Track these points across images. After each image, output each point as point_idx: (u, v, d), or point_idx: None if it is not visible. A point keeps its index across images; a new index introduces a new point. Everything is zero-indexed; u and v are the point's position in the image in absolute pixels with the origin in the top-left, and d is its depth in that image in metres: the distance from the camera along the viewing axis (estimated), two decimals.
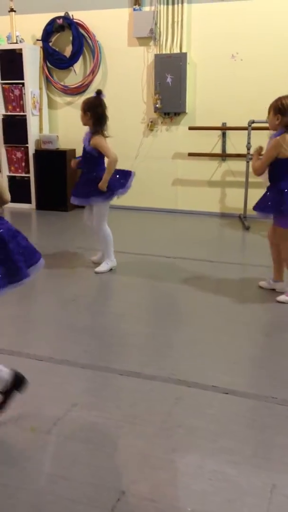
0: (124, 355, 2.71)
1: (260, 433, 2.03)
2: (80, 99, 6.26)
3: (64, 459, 1.87)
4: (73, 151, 6.27)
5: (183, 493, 1.72)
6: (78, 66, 6.19)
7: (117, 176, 3.83)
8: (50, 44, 6.18)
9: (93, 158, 3.76)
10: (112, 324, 3.11)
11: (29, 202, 6.47)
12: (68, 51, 6.14)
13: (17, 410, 2.17)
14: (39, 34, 6.16)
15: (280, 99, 3.16)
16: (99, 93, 3.76)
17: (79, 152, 6.27)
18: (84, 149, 3.79)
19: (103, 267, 3.93)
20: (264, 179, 3.41)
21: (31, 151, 6.28)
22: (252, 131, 5.36)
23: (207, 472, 1.81)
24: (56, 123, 6.52)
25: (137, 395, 2.30)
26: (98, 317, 3.23)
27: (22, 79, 6.07)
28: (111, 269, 3.97)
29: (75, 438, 1.99)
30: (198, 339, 2.88)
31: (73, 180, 6.33)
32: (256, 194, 5.69)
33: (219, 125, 5.75)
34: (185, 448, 1.94)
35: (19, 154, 6.37)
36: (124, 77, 6.01)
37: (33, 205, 6.45)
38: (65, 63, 6.18)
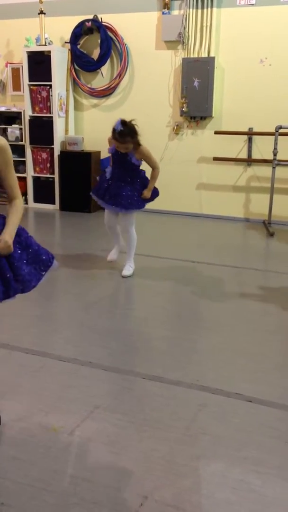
0: (147, 359, 2.69)
1: (286, 444, 2.00)
2: (106, 102, 6.32)
3: (87, 461, 1.87)
4: (98, 153, 6.30)
5: (206, 501, 1.70)
6: (105, 68, 6.22)
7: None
8: (78, 46, 6.23)
9: (137, 168, 3.81)
10: (135, 328, 3.10)
11: (53, 203, 6.52)
12: (95, 53, 6.18)
13: (41, 410, 2.17)
14: (67, 37, 6.21)
15: None
16: (124, 123, 3.56)
17: (104, 153, 6.33)
18: (129, 161, 3.73)
19: (128, 271, 3.94)
20: None
21: (56, 152, 6.32)
22: (279, 137, 5.31)
23: (232, 481, 1.79)
24: (81, 125, 6.56)
25: (160, 400, 2.29)
26: (121, 320, 3.23)
27: (50, 80, 6.12)
28: None
29: (98, 440, 1.99)
30: (222, 345, 2.85)
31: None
32: (282, 200, 5.68)
33: (246, 130, 5.72)
34: (209, 456, 1.91)
35: (44, 155, 6.42)
36: (151, 81, 6.02)
37: (56, 206, 6.49)
38: (92, 66, 6.22)
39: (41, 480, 1.77)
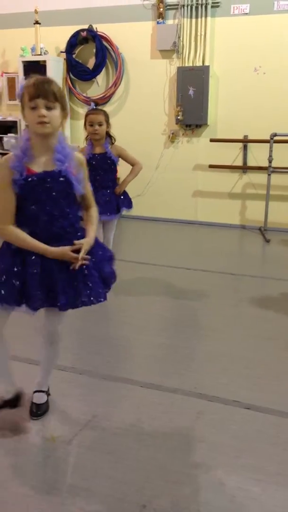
0: (145, 367, 2.69)
1: (284, 450, 2.00)
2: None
3: (85, 470, 1.87)
4: None
5: (205, 509, 1.70)
6: (100, 78, 6.25)
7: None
8: (74, 56, 6.26)
9: (115, 168, 3.69)
10: (133, 336, 3.10)
11: None
12: (91, 63, 6.22)
13: (39, 419, 2.17)
14: (63, 46, 6.25)
15: None
16: (97, 104, 3.71)
17: None
18: (108, 160, 3.61)
19: None
20: None
21: None
22: (274, 144, 5.34)
23: (230, 489, 1.79)
24: (77, 133, 6.57)
25: (158, 407, 2.29)
26: (118, 328, 3.23)
27: None
28: None
29: (96, 449, 1.99)
30: (219, 352, 2.86)
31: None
32: (277, 207, 5.71)
33: (241, 137, 5.75)
34: (207, 464, 1.91)
35: None
36: (146, 89, 6.06)
37: None
38: (88, 75, 6.25)
39: (40, 489, 1.76)
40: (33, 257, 1.84)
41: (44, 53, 6.16)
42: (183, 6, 5.64)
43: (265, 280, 4.18)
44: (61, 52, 6.30)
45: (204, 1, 5.54)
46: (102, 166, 3.60)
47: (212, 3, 5.54)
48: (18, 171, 1.80)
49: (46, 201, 1.84)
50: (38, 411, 2.19)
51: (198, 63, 5.74)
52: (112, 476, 1.84)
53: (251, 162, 5.80)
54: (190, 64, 5.77)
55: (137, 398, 2.37)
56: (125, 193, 3.71)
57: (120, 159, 3.65)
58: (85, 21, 6.07)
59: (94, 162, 3.52)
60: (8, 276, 1.83)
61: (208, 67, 5.67)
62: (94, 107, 3.67)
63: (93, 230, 1.99)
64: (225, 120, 5.80)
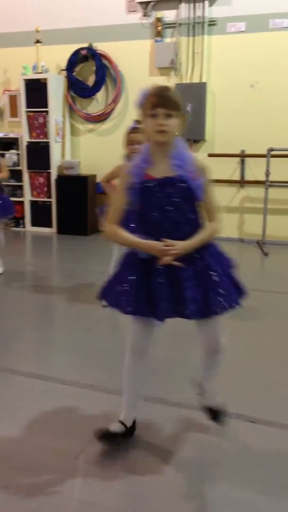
0: (148, 381, 2.71)
1: None
2: (102, 126, 6.46)
3: (94, 485, 1.90)
4: (94, 176, 6.42)
5: None
6: (100, 95, 6.37)
7: None
8: (74, 74, 6.38)
9: None
10: None
11: (50, 226, 6.59)
12: (91, 80, 6.34)
13: (45, 434, 2.21)
14: (63, 64, 6.37)
15: None
16: (139, 122, 3.69)
17: (101, 177, 6.41)
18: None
19: None
20: None
21: (53, 177, 6.43)
22: (271, 159, 5.44)
23: (238, 503, 1.81)
24: (78, 149, 6.68)
25: (163, 422, 2.33)
26: (121, 342, 3.25)
27: (46, 107, 6.26)
28: None
29: (103, 464, 2.02)
30: (222, 365, 2.89)
31: (94, 205, 6.46)
32: (275, 221, 5.78)
33: (238, 152, 5.85)
34: (214, 478, 1.95)
35: (41, 179, 6.52)
36: None
37: (54, 229, 6.57)
38: (88, 92, 6.37)
39: (48, 504, 1.80)
40: (159, 267, 1.83)
41: (45, 71, 6.28)
42: (181, 24, 5.77)
43: (264, 293, 4.23)
44: (62, 70, 6.42)
45: (201, 20, 5.67)
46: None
47: (209, 21, 5.67)
48: (137, 176, 1.85)
49: (169, 207, 1.83)
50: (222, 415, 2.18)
51: (196, 80, 5.85)
52: (121, 490, 1.87)
53: (248, 177, 5.90)
54: (188, 81, 5.89)
55: (142, 413, 2.40)
56: None
57: None
58: (85, 40, 6.21)
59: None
60: (133, 285, 1.84)
61: (205, 83, 5.78)
62: (135, 126, 3.59)
63: (200, 238, 1.90)
64: (223, 136, 5.90)
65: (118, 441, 2.09)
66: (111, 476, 1.95)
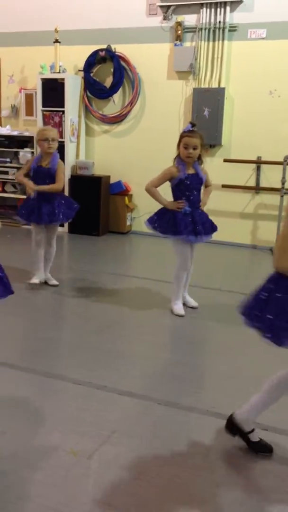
0: (161, 384, 2.71)
1: None
2: (117, 128, 6.45)
3: (108, 485, 1.88)
4: (108, 177, 6.41)
5: None
6: (117, 96, 6.36)
7: None
8: (92, 74, 6.39)
9: (201, 187, 3.71)
10: (148, 352, 3.12)
11: (62, 225, 6.57)
12: (108, 82, 6.34)
13: (59, 433, 2.19)
14: (81, 65, 6.38)
15: None
16: (194, 125, 3.56)
17: (114, 178, 6.44)
18: (201, 178, 3.63)
19: None
20: None
21: (67, 177, 6.41)
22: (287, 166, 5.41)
23: (252, 509, 1.79)
24: (92, 150, 6.67)
25: (176, 425, 2.30)
26: (134, 344, 3.25)
27: (63, 107, 6.26)
28: None
29: (117, 465, 2.00)
30: (234, 371, 2.87)
31: (107, 206, 6.47)
32: None
33: (254, 158, 5.82)
34: (228, 483, 1.92)
35: None
36: (162, 109, 6.16)
37: (65, 228, 6.56)
38: (104, 93, 6.37)
39: (62, 503, 1.78)
40: None
41: (63, 71, 6.28)
42: (201, 29, 5.76)
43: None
44: (79, 70, 6.43)
45: (221, 25, 5.67)
46: (196, 186, 3.65)
47: (230, 27, 5.66)
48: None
49: None
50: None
51: (214, 85, 5.84)
52: (135, 492, 1.85)
53: (263, 183, 5.86)
54: (206, 86, 5.88)
55: (155, 415, 2.39)
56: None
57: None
58: (104, 41, 6.21)
59: (188, 182, 3.58)
60: None
61: (223, 89, 5.77)
62: (191, 128, 3.51)
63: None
64: (239, 141, 5.87)
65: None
66: (124, 477, 1.93)
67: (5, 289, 2.05)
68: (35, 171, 4.10)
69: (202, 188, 3.73)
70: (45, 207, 4.05)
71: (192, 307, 3.88)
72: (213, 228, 3.81)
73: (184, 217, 3.58)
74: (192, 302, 3.93)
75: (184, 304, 3.87)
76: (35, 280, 4.17)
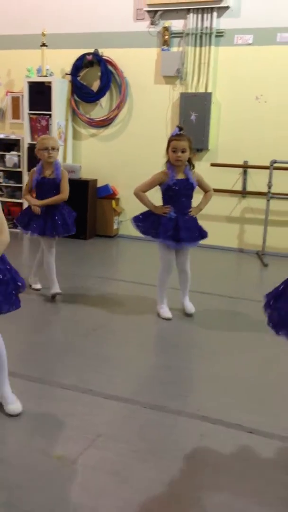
0: (147, 388, 2.70)
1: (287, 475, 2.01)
2: (104, 132, 6.45)
3: (92, 490, 1.87)
4: (95, 181, 6.40)
5: None
6: (104, 100, 6.36)
7: None
8: (79, 78, 6.38)
9: (192, 195, 3.68)
10: (134, 356, 3.11)
11: None
12: (95, 85, 6.33)
13: (43, 438, 2.17)
14: (68, 68, 6.37)
15: None
16: (181, 129, 3.55)
17: (101, 182, 6.44)
18: (189, 187, 3.61)
19: None
20: None
21: None
22: (274, 171, 5.45)
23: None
24: (79, 153, 6.66)
25: (162, 429, 2.30)
26: (120, 348, 3.23)
27: (50, 110, 6.24)
28: None
29: (102, 469, 1.99)
30: (220, 375, 2.87)
31: (94, 210, 6.45)
32: (276, 232, 5.78)
33: (241, 163, 5.86)
34: (212, 487, 1.92)
35: None
36: (149, 113, 6.17)
37: None
38: (92, 97, 6.36)
39: (46, 508, 1.76)
40: None
41: (50, 75, 6.27)
42: (188, 34, 5.79)
43: (262, 304, 4.20)
44: (67, 74, 6.41)
45: (208, 31, 5.70)
46: (185, 192, 3.61)
47: (217, 32, 5.69)
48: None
49: None
50: None
51: (201, 90, 5.86)
52: (119, 496, 1.84)
53: (250, 187, 5.90)
54: (193, 91, 5.90)
55: (141, 419, 2.38)
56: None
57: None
58: (91, 45, 6.21)
59: (177, 188, 3.55)
60: None
61: (210, 93, 5.80)
62: (178, 132, 3.49)
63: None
64: (226, 146, 5.90)
65: None
66: (109, 481, 1.92)
67: (18, 300, 2.40)
68: (40, 182, 3.99)
69: (199, 193, 3.71)
70: (51, 220, 3.99)
71: (187, 314, 3.82)
72: (202, 235, 3.79)
73: (168, 222, 3.57)
74: (188, 308, 3.84)
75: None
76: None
